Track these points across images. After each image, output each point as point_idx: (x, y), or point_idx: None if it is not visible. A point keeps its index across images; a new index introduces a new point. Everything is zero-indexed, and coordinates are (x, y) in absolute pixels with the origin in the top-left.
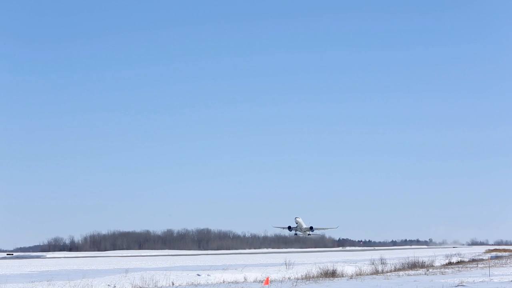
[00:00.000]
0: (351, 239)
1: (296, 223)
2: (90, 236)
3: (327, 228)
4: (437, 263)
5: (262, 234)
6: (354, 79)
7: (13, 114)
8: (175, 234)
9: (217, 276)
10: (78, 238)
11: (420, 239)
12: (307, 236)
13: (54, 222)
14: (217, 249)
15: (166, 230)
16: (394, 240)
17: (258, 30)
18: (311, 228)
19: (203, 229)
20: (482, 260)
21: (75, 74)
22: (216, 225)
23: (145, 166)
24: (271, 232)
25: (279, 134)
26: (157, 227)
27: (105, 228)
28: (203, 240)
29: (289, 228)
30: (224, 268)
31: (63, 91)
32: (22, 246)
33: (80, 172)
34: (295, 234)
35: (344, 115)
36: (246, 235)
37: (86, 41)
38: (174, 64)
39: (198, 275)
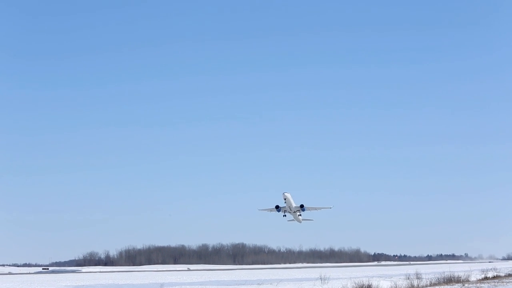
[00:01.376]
0: (386, 253)
1: (285, 200)
2: (125, 251)
3: (321, 208)
4: (473, 278)
5: (297, 249)
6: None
7: (40, 130)
8: (210, 249)
9: None
10: (113, 252)
11: (456, 254)
12: (298, 218)
13: (89, 236)
14: (252, 263)
15: (201, 245)
16: (429, 254)
17: (273, 46)
18: (301, 206)
19: (238, 244)
20: None
21: (93, 87)
22: (251, 239)
23: (180, 181)
24: (306, 246)
25: (313, 149)
26: (192, 242)
27: (140, 242)
28: (238, 255)
29: (277, 208)
30: (259, 283)
31: (90, 104)
32: (57, 261)
33: (116, 187)
34: (284, 215)
35: (376, 131)
36: (281, 250)
37: (92, 57)
38: (198, 77)
39: None
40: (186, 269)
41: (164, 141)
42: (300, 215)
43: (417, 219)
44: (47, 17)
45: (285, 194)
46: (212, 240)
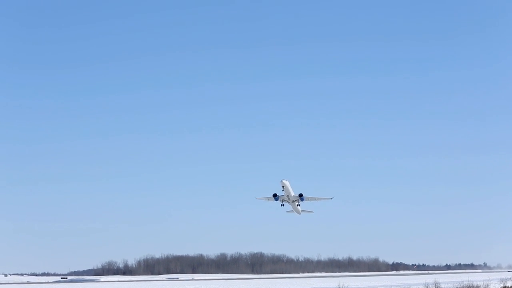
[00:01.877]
0: (405, 262)
1: (283, 187)
2: (144, 260)
3: (320, 198)
4: (491, 287)
5: (316, 258)
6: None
7: (58, 138)
8: (228, 258)
9: None
10: (131, 261)
11: (475, 263)
12: (297, 209)
13: (108, 245)
14: (270, 273)
15: (219, 254)
16: (448, 264)
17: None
18: (300, 196)
19: (256, 253)
20: None
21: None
22: (269, 248)
23: (198, 190)
24: (324, 255)
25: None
26: (211, 251)
27: (158, 251)
28: (257, 264)
29: (275, 196)
30: None
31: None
32: (76, 270)
33: (134, 196)
34: (282, 205)
35: (393, 140)
36: (300, 259)
37: (95, 66)
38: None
39: None
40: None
41: (183, 149)
42: (299, 205)
43: (436, 228)
44: (41, 28)
45: (283, 181)
46: (231, 249)
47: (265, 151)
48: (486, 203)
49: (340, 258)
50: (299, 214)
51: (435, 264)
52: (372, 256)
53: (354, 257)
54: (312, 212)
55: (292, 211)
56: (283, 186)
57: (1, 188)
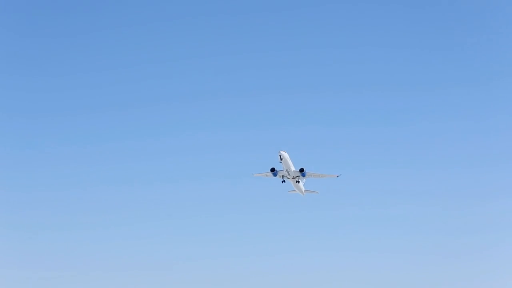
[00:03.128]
0: None
1: (281, 160)
2: None
3: (325, 176)
4: None
5: None
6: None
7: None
8: None
9: None
10: None
11: None
12: (299, 188)
13: None
14: None
15: None
16: None
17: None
18: (301, 171)
19: None
20: None
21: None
22: None
23: None
24: None
25: None
26: None
27: None
28: None
29: (273, 171)
30: None
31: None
32: None
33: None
34: (283, 181)
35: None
36: None
37: (89, 115)
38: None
39: None
40: None
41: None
42: (298, 182)
43: None
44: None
45: (281, 152)
46: None
47: None
48: None
49: None
50: (303, 194)
51: None
52: None
53: None
54: (317, 192)
55: (294, 191)
56: (281, 158)
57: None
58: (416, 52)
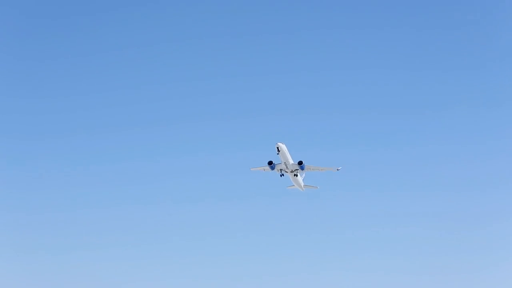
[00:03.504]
0: None
1: (278, 152)
2: None
3: (325, 169)
4: None
5: None
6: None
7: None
8: None
9: None
10: None
11: None
12: (298, 182)
13: None
14: None
15: None
16: None
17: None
18: (300, 164)
19: None
20: None
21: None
22: None
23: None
24: None
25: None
26: None
27: None
28: None
29: (270, 164)
30: None
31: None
32: None
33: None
34: (281, 175)
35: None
36: None
37: (88, 135)
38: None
39: None
40: None
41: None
42: (296, 175)
43: None
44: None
45: (279, 144)
46: None
47: None
48: None
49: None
50: (302, 189)
51: None
52: None
53: None
54: (317, 187)
55: (293, 186)
56: (278, 150)
57: None
58: (418, 74)
